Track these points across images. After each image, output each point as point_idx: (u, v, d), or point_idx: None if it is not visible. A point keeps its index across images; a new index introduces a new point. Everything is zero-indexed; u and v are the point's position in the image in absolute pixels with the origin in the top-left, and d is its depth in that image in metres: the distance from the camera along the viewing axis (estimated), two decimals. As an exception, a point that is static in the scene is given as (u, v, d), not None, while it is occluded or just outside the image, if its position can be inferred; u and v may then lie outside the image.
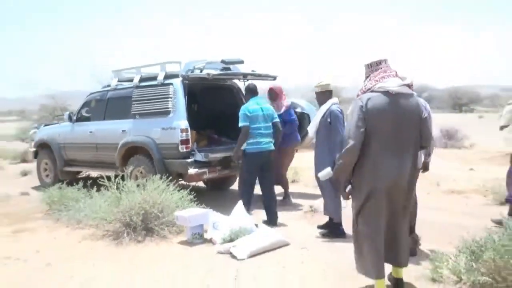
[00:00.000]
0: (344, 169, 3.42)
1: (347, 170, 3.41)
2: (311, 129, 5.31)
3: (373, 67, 3.48)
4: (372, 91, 3.34)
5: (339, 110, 5.15)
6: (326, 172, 4.90)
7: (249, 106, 5.86)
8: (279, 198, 6.62)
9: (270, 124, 5.92)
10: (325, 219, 5.90)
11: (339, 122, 5.04)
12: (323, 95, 5.27)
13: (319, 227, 5.36)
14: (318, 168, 5.07)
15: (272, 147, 5.92)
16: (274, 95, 6.85)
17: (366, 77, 3.50)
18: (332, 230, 5.23)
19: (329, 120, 5.06)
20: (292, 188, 8.03)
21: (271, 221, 5.76)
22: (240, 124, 5.77)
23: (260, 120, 5.83)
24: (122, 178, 5.70)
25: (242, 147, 5.82)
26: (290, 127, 6.76)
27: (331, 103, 5.15)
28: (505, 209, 5.63)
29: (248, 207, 5.73)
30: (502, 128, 5.67)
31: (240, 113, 5.84)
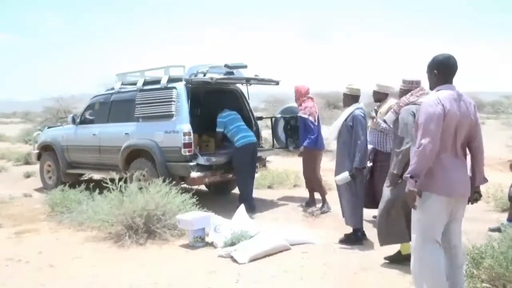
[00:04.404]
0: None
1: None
2: (332, 132, 5.30)
3: (413, 84, 4.30)
4: (415, 104, 4.01)
5: (362, 115, 5.04)
6: (344, 177, 4.91)
7: (222, 113, 6.97)
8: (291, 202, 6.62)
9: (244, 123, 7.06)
10: (327, 223, 5.92)
11: (360, 127, 4.97)
12: (350, 98, 5.20)
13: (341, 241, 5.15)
14: (338, 172, 5.07)
15: (256, 140, 7.04)
16: (295, 95, 6.98)
17: (405, 90, 4.31)
18: (350, 236, 5.12)
19: (351, 124, 5.02)
20: (294, 192, 8.06)
21: (251, 208, 6.47)
22: (216, 130, 6.94)
23: (237, 120, 6.96)
24: (125, 180, 5.73)
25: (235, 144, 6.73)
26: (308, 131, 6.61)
27: (355, 108, 5.08)
28: (505, 216, 5.63)
29: (250, 198, 6.67)
30: None
31: (217, 121, 6.93)
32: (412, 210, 3.18)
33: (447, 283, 3.14)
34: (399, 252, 4.39)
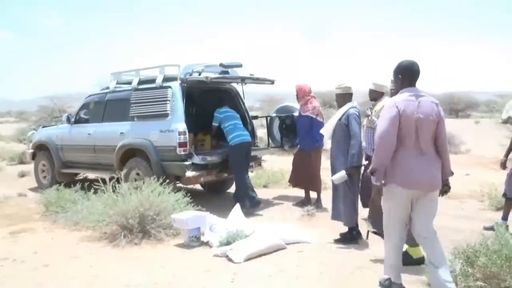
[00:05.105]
0: None
1: None
2: (327, 131, 5.30)
3: None
4: None
5: (357, 113, 5.06)
6: (340, 176, 4.91)
7: (220, 109, 6.97)
8: (286, 201, 6.62)
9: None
10: (323, 222, 5.93)
11: (356, 126, 4.99)
12: (343, 97, 5.20)
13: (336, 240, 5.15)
14: (334, 171, 5.07)
15: (250, 139, 7.01)
16: (296, 93, 6.98)
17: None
18: (346, 235, 5.12)
19: (345, 123, 5.03)
20: (289, 192, 8.07)
21: (253, 203, 6.61)
22: (212, 124, 6.97)
23: (234, 118, 6.94)
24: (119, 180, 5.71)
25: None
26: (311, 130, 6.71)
27: (349, 107, 5.09)
28: (499, 215, 5.66)
29: (248, 195, 6.61)
30: (504, 121, 5.96)
31: (214, 115, 6.95)
32: (383, 196, 3.59)
33: (399, 266, 3.63)
34: (409, 256, 4.27)
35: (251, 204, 6.55)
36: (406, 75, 3.52)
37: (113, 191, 5.52)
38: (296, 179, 7.08)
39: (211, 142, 7.70)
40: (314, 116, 6.74)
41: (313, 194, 6.97)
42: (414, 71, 3.52)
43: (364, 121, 5.65)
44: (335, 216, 5.25)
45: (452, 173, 3.60)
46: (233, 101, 7.68)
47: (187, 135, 6.46)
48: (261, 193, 7.87)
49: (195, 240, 5.08)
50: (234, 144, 6.71)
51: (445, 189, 3.58)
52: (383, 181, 3.48)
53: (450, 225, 5.64)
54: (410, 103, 3.39)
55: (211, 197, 7.78)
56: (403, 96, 3.44)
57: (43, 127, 9.81)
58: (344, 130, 5.03)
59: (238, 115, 7.15)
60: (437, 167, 3.48)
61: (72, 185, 6.94)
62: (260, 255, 4.61)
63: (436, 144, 3.50)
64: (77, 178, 8.75)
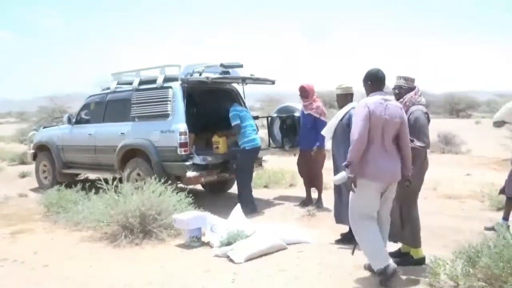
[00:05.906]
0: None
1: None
2: (328, 132, 5.29)
3: (414, 82, 4.35)
4: (420, 104, 4.23)
5: None
6: (341, 177, 4.89)
7: (236, 107, 6.89)
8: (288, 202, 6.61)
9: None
10: (323, 223, 5.92)
11: None
12: (344, 98, 5.21)
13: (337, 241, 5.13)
14: (336, 172, 5.04)
15: (260, 143, 6.98)
16: (305, 92, 6.81)
17: (409, 88, 4.28)
18: (347, 235, 5.07)
19: (347, 123, 4.99)
20: (290, 192, 8.08)
21: (253, 209, 6.56)
22: (233, 123, 6.67)
23: (249, 119, 6.92)
24: (121, 180, 5.72)
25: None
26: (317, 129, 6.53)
27: (351, 107, 5.07)
28: (500, 215, 5.66)
29: (250, 200, 6.64)
30: (496, 124, 5.92)
31: (232, 114, 6.72)
32: (351, 192, 3.88)
33: (385, 250, 3.86)
34: (410, 256, 4.27)
35: (250, 208, 6.54)
36: (374, 81, 3.96)
37: (115, 191, 5.53)
38: (301, 176, 7.15)
39: (228, 141, 7.26)
40: (317, 116, 6.72)
41: (313, 194, 6.97)
42: (379, 77, 3.96)
43: None
44: (339, 220, 5.20)
45: (412, 169, 3.94)
46: (234, 101, 7.67)
47: (187, 136, 6.46)
48: (261, 193, 7.89)
49: (196, 240, 5.08)
50: (248, 148, 6.69)
51: (407, 183, 3.94)
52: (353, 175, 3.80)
53: (450, 225, 5.64)
54: (379, 105, 3.78)
55: (212, 197, 7.78)
56: (374, 99, 3.83)
57: (44, 127, 9.83)
58: (346, 130, 5.02)
59: (250, 114, 7.17)
60: (398, 161, 3.85)
61: (73, 186, 6.94)
62: (260, 255, 4.62)
63: (399, 143, 3.86)
64: (78, 179, 8.76)
